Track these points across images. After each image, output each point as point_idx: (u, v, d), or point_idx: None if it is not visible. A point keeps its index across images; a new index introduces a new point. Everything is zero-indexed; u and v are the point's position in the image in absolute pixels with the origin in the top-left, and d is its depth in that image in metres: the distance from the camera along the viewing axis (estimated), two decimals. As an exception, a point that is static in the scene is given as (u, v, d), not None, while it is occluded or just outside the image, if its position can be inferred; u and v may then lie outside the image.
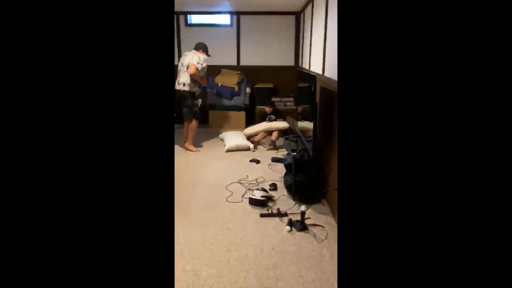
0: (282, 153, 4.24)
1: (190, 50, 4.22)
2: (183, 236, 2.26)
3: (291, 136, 3.40)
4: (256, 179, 3.34)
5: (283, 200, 2.85)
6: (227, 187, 3.14)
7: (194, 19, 5.70)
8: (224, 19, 5.67)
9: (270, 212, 2.56)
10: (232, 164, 3.86)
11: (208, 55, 4.25)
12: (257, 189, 2.76)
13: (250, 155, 4.19)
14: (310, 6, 4.15)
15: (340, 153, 0.90)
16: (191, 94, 4.16)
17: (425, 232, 0.80)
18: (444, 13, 0.79)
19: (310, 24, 4.03)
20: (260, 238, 2.24)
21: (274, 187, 3.07)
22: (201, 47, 4.22)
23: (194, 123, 4.25)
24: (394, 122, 0.81)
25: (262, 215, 2.52)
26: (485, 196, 0.78)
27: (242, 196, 2.93)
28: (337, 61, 2.14)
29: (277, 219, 2.49)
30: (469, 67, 0.78)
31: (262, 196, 2.67)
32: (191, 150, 4.26)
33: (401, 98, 0.81)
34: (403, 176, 0.81)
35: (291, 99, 5.43)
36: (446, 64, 0.79)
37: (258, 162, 3.88)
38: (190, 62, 4.02)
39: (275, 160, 3.92)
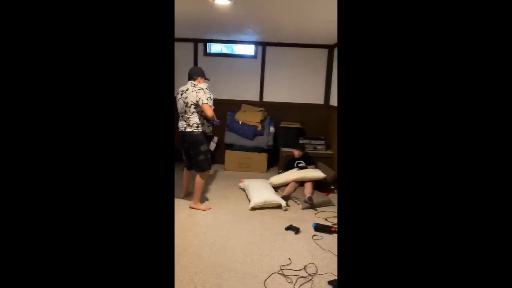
0: (323, 214, 2.97)
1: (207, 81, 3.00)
2: None
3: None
4: (304, 267, 2.05)
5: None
6: (265, 283, 1.85)
7: (214, 48, 4.59)
8: (248, 50, 4.57)
9: None
10: (264, 232, 2.57)
11: (206, 79, 2.97)
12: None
13: (283, 216, 2.91)
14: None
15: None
16: (206, 137, 2.95)
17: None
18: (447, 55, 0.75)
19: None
20: None
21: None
22: (199, 74, 2.90)
23: (205, 175, 3.02)
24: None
25: None
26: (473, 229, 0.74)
27: (297, 312, 1.63)
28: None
29: None
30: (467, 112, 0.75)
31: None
32: (200, 209, 2.98)
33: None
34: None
35: (322, 141, 4.24)
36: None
37: (297, 231, 2.60)
38: (198, 101, 2.76)
39: (319, 229, 2.64)
